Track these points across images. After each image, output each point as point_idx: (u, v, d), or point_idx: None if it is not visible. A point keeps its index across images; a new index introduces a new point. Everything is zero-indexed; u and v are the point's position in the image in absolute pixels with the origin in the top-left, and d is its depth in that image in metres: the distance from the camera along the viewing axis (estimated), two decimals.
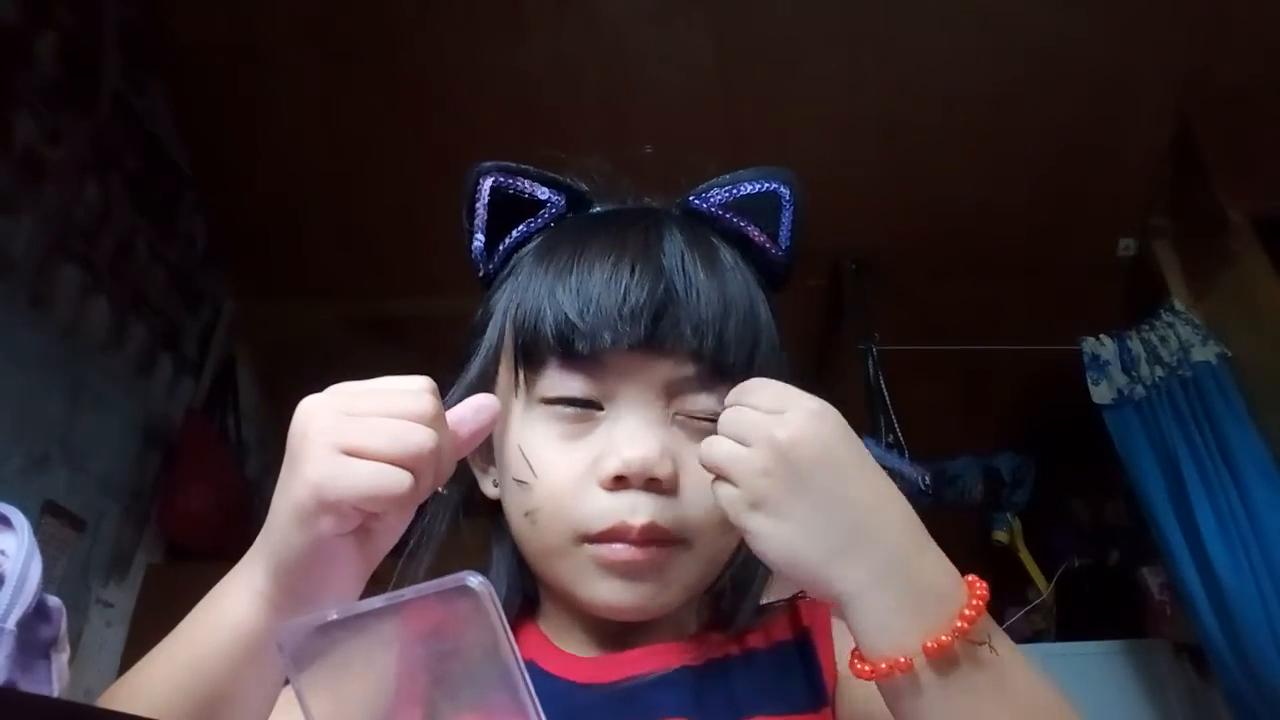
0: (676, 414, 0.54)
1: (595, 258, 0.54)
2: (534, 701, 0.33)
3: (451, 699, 0.35)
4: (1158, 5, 2.16)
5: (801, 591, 0.59)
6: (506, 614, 0.61)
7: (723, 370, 0.53)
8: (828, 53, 2.27)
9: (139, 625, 2.15)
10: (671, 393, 0.54)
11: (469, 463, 0.60)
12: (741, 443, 0.45)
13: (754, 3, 2.19)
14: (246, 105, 2.37)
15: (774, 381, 0.48)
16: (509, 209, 0.60)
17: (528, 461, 0.54)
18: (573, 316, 0.52)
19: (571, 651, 0.57)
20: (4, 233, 1.79)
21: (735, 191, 0.60)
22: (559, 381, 0.53)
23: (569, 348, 0.52)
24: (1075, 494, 3.16)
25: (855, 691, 0.52)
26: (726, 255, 0.58)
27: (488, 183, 0.60)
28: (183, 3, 2.22)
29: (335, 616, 0.35)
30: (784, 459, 0.43)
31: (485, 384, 0.58)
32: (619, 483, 0.52)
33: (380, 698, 0.36)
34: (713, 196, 0.61)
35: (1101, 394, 2.32)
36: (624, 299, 0.52)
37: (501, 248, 0.61)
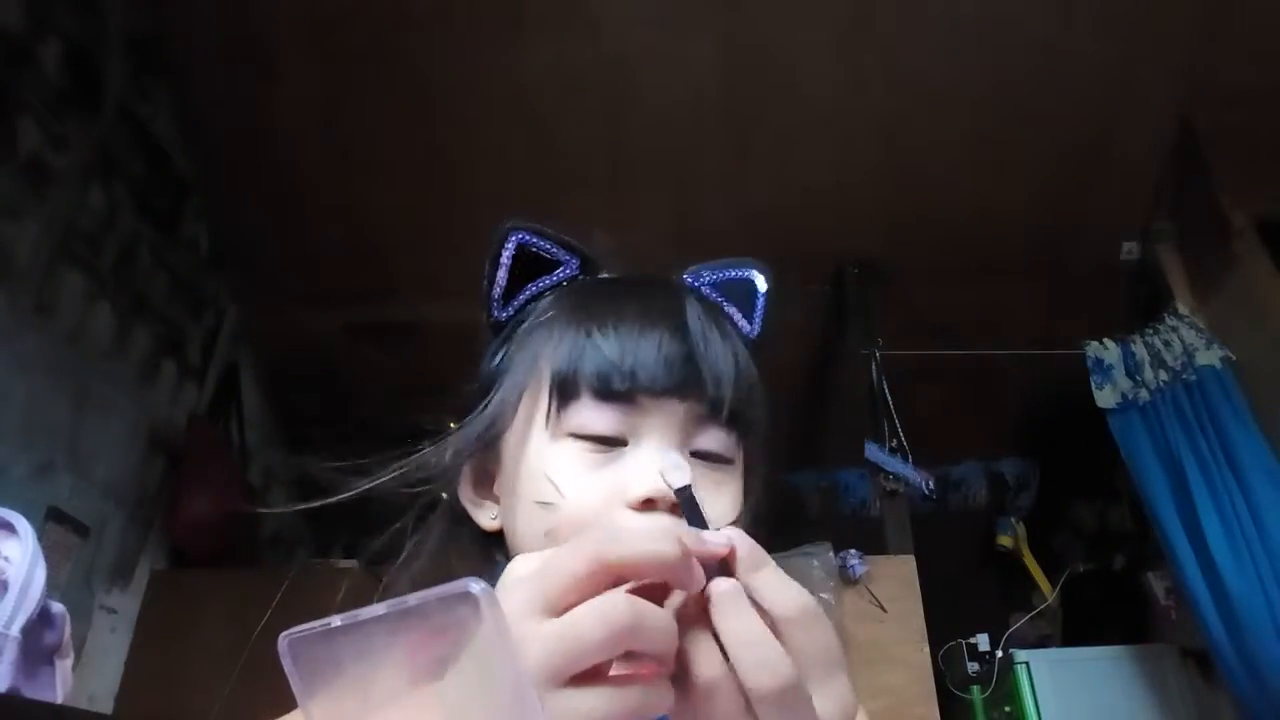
0: (691, 451, 0.60)
1: (632, 315, 0.62)
2: (538, 708, 0.33)
3: (454, 705, 0.35)
4: (1159, 9, 2.17)
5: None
6: None
7: (730, 415, 0.61)
8: (829, 58, 2.28)
9: (143, 631, 2.15)
10: (688, 430, 0.60)
11: (460, 496, 0.67)
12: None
13: (755, 9, 2.20)
14: (249, 112, 2.38)
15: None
16: (527, 263, 0.68)
17: (555, 485, 0.59)
18: (613, 358, 0.59)
19: None
20: (9, 238, 1.80)
21: (720, 275, 0.70)
22: (591, 415, 0.59)
23: (607, 384, 0.59)
24: (1080, 499, 3.16)
25: None
26: (727, 324, 0.67)
27: (514, 239, 0.67)
28: (186, 10, 2.23)
29: (338, 624, 0.35)
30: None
31: (501, 417, 0.64)
32: (647, 505, 0.56)
33: (383, 705, 0.35)
34: (703, 276, 0.70)
35: (1105, 398, 2.31)
36: (659, 348, 0.60)
37: (517, 299, 0.68)
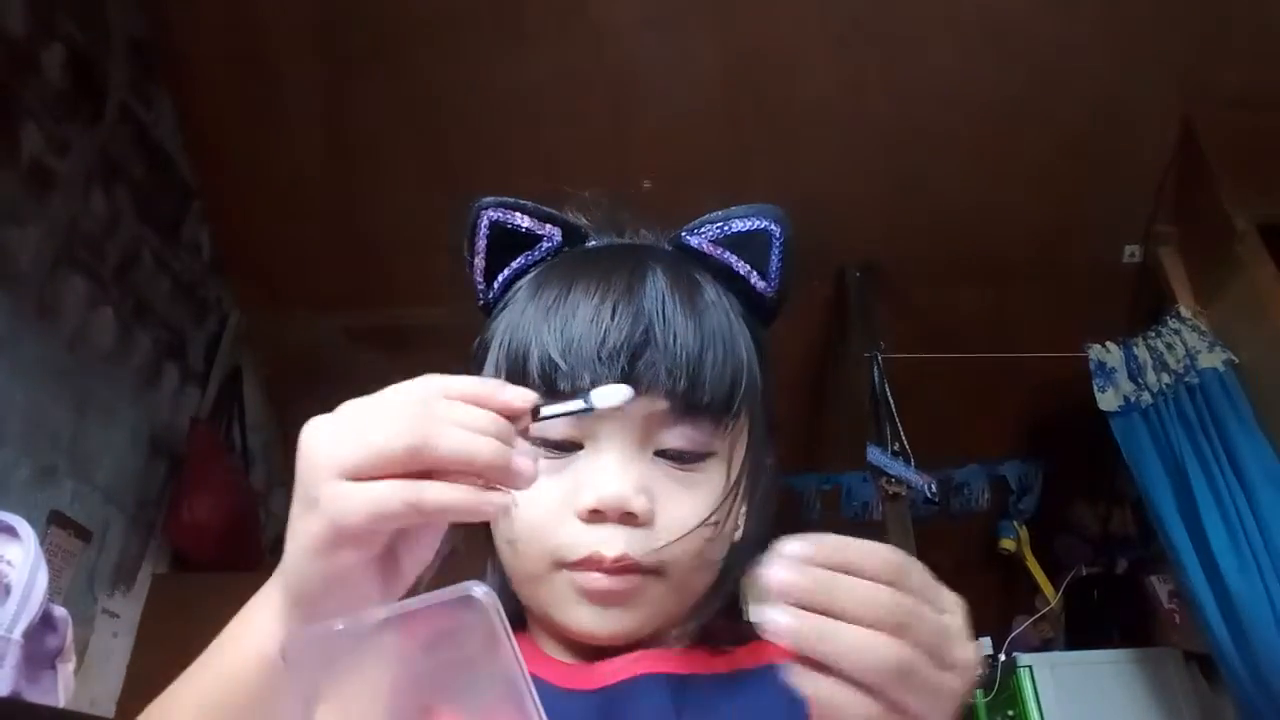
0: (655, 450, 0.56)
1: (580, 297, 0.56)
2: (539, 712, 0.33)
3: (456, 709, 0.35)
4: (1161, 12, 2.17)
5: None
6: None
7: (698, 409, 0.56)
8: (832, 62, 2.28)
9: (145, 635, 2.15)
10: (649, 429, 0.56)
11: None
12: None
13: (757, 13, 2.20)
14: (252, 116, 2.38)
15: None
16: (508, 241, 0.63)
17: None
18: (555, 356, 0.55)
19: (557, 659, 0.59)
20: (11, 243, 1.80)
21: (726, 228, 0.63)
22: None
23: (552, 386, 0.54)
24: (1083, 502, 3.15)
25: None
26: (709, 293, 0.60)
27: (486, 218, 0.63)
28: (188, 15, 2.23)
29: (341, 627, 0.35)
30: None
31: None
32: (595, 515, 0.54)
33: (385, 708, 0.35)
34: (705, 232, 0.63)
35: (1108, 401, 2.31)
36: (603, 341, 0.54)
37: (500, 279, 0.64)
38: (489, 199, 0.63)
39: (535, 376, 0.55)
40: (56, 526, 1.90)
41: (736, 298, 0.62)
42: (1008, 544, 3.09)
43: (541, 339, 0.56)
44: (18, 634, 1.02)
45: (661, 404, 0.55)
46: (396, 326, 2.78)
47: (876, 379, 2.49)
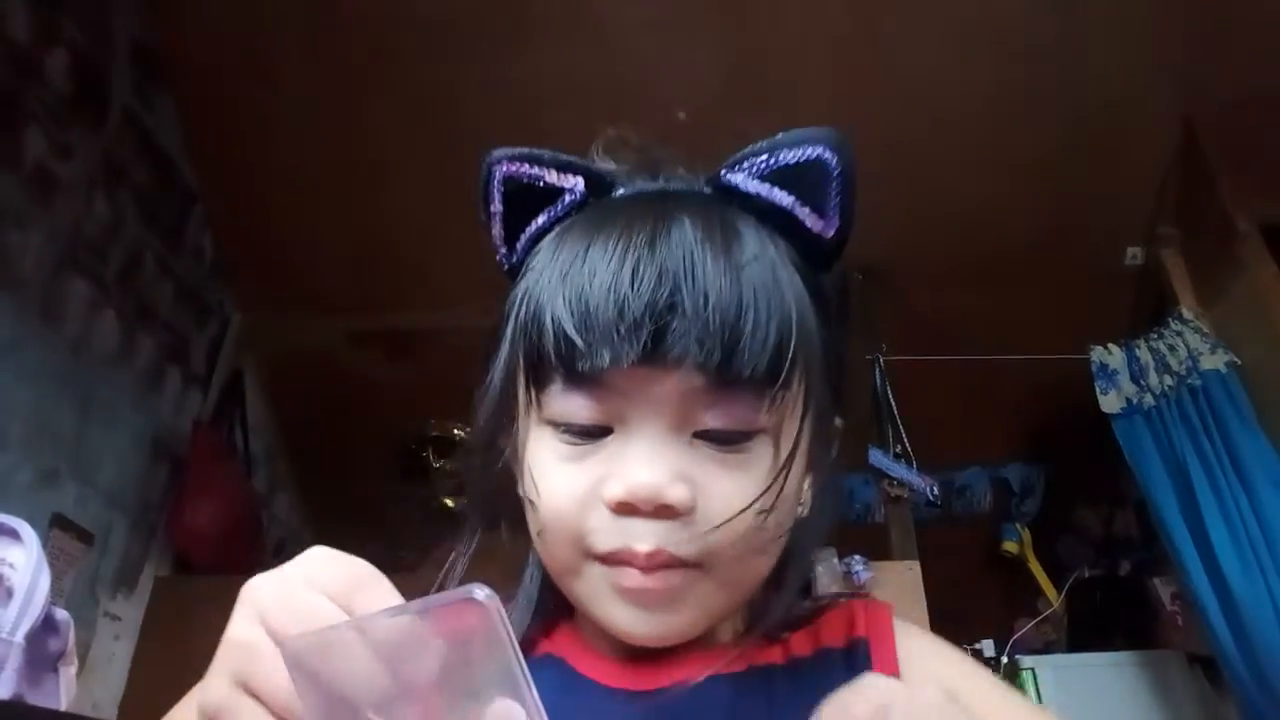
0: (695, 432, 0.49)
1: (598, 260, 0.49)
2: (540, 716, 0.33)
3: (458, 713, 0.35)
4: (1161, 13, 2.17)
5: (861, 590, 0.58)
6: (542, 612, 0.58)
7: (739, 382, 0.48)
8: (832, 63, 2.28)
9: (147, 638, 2.16)
10: (686, 409, 0.49)
11: (511, 462, 0.57)
12: None
13: (760, 14, 2.20)
14: (253, 120, 2.38)
15: None
16: (527, 197, 0.56)
17: (533, 480, 0.52)
18: (572, 334, 0.47)
19: (605, 654, 0.55)
20: (15, 247, 1.81)
21: (774, 161, 0.54)
22: (564, 403, 0.50)
23: (571, 368, 0.48)
24: (1085, 504, 3.15)
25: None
26: (750, 242, 0.51)
27: (499, 173, 0.56)
28: (191, 20, 2.23)
29: (344, 627, 0.35)
30: None
31: (507, 397, 0.55)
32: (624, 508, 0.48)
33: (384, 708, 0.35)
34: (749, 167, 0.54)
35: (1110, 403, 2.31)
36: (621, 312, 0.47)
37: (522, 240, 0.57)
38: (500, 151, 0.56)
39: (552, 356, 0.49)
40: (59, 529, 1.90)
41: (790, 242, 0.54)
42: (1010, 546, 3.08)
43: (556, 311, 0.49)
44: (20, 637, 1.02)
45: (696, 379, 0.47)
46: (398, 330, 2.78)
47: (878, 381, 2.49)
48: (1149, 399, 2.26)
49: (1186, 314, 2.33)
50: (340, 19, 2.20)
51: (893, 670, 0.53)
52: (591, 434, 0.50)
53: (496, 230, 0.57)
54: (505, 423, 0.55)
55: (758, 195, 0.54)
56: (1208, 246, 2.38)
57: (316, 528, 3.14)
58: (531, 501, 0.52)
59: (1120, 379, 2.32)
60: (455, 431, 2.94)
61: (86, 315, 2.02)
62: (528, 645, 0.57)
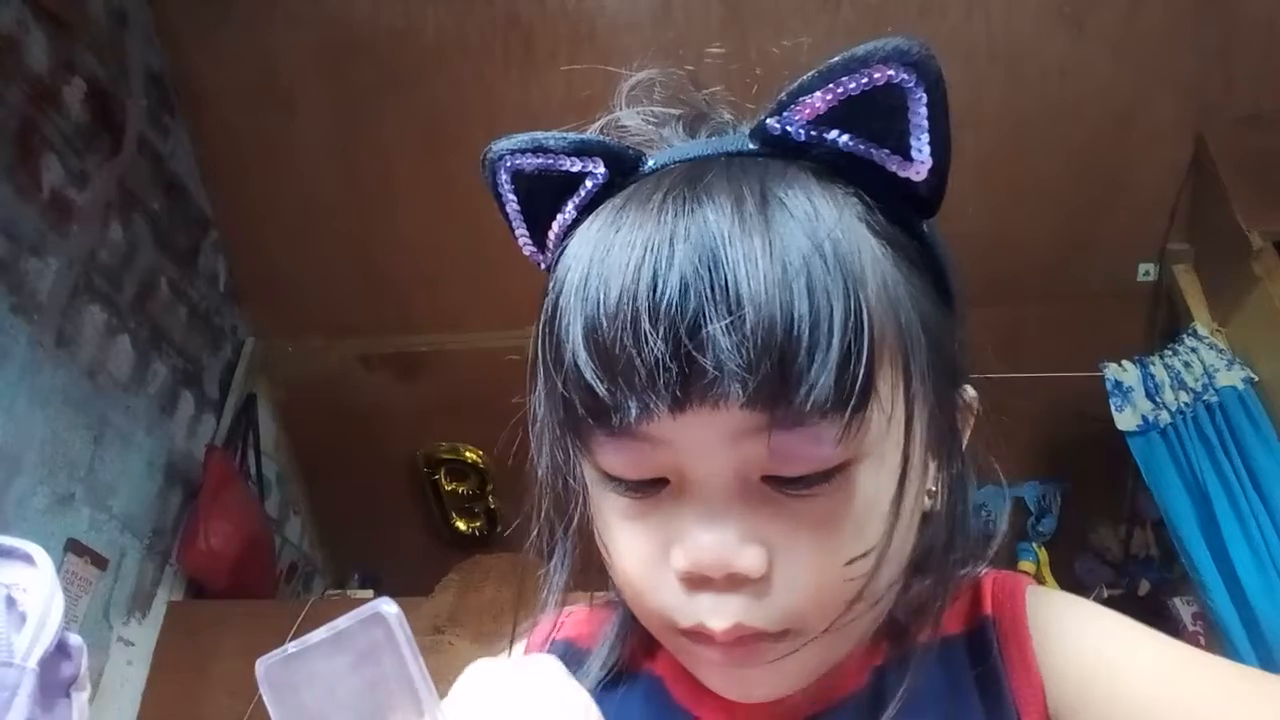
0: (762, 476, 0.40)
1: (612, 273, 0.39)
2: None
3: None
4: (1171, 29, 2.17)
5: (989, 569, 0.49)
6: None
7: (800, 414, 0.37)
8: None
9: (160, 663, 2.15)
10: (743, 453, 0.39)
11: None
12: None
13: (759, 32, 2.22)
14: (266, 147, 2.41)
15: None
16: (544, 188, 0.47)
17: (603, 543, 0.46)
18: (593, 382, 0.39)
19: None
20: (32, 274, 1.83)
21: (835, 94, 0.42)
22: (611, 456, 0.41)
23: (605, 423, 0.40)
24: (1103, 523, 3.12)
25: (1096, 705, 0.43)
26: (803, 217, 0.39)
27: (505, 171, 0.47)
28: (204, 49, 2.27)
29: (292, 650, 0.36)
30: None
31: (555, 435, 0.46)
32: (694, 581, 0.41)
33: None
34: (802, 108, 0.43)
35: (1125, 420, 2.29)
36: (640, 349, 0.37)
37: (552, 235, 0.47)
38: (501, 144, 0.47)
39: (579, 408, 0.40)
40: (73, 554, 1.91)
41: (872, 195, 0.43)
42: (1027, 566, 3.05)
43: (576, 351, 0.39)
44: (33, 662, 1.02)
45: (746, 419, 0.38)
46: (411, 354, 2.79)
47: None
48: (1165, 416, 2.24)
49: (1201, 330, 2.31)
50: (351, 46, 2.22)
51: (1025, 655, 0.47)
52: (648, 486, 0.42)
53: (520, 232, 0.48)
54: (563, 461, 0.47)
55: (817, 142, 0.42)
56: (1222, 262, 2.37)
57: (329, 552, 3.14)
58: (608, 563, 0.46)
59: (1135, 396, 2.30)
60: (467, 454, 2.95)
61: (101, 341, 2.04)
62: (629, 661, 0.52)
